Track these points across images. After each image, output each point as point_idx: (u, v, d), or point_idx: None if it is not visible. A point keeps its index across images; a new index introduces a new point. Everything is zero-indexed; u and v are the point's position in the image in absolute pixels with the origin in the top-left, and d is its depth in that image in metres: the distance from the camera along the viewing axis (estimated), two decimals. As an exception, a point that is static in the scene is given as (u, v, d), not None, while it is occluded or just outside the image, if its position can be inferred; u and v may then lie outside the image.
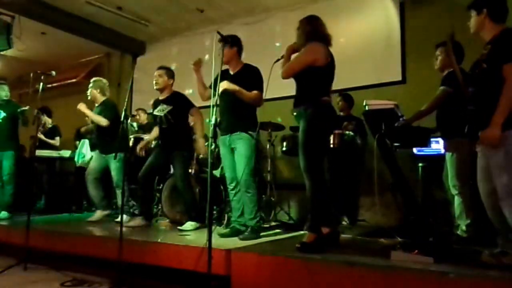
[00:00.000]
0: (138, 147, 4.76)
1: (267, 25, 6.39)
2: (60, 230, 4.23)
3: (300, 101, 3.20)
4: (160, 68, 4.45)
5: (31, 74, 4.36)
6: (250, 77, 3.70)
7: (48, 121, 6.50)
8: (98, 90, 4.91)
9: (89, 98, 4.94)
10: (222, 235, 3.60)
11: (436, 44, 3.67)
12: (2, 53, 7.12)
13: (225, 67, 3.72)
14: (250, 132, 3.64)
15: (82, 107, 4.74)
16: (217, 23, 6.46)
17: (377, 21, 5.60)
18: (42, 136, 6.13)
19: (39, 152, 5.76)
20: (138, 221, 4.36)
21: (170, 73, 4.44)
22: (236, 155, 3.66)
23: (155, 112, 4.42)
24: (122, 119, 3.51)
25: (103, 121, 4.69)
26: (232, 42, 3.71)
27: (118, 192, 4.84)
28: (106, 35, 7.21)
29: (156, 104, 4.47)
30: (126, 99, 3.58)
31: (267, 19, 6.40)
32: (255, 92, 3.63)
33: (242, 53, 3.86)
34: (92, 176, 4.84)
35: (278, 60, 3.38)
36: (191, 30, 7.02)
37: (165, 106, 4.34)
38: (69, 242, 3.89)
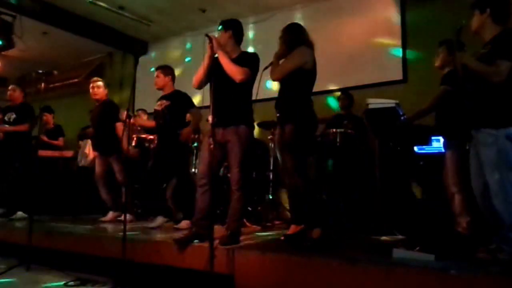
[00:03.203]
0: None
1: (269, 24, 6.39)
2: (63, 229, 4.25)
3: (286, 102, 3.28)
4: (157, 68, 4.49)
5: (33, 74, 4.36)
6: (246, 62, 3.32)
7: (50, 121, 6.49)
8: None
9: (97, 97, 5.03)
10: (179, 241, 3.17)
11: (440, 42, 3.68)
12: (3, 53, 7.14)
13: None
14: (245, 126, 3.31)
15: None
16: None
17: (378, 20, 5.61)
18: (44, 138, 6.13)
19: (42, 153, 5.77)
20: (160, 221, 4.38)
21: (165, 71, 4.45)
22: (228, 150, 3.31)
23: (155, 107, 4.42)
24: (125, 118, 3.53)
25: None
26: (226, 25, 3.42)
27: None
28: (108, 35, 7.22)
29: (158, 100, 4.48)
30: (129, 99, 3.60)
31: (269, 19, 6.40)
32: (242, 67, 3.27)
33: (242, 39, 3.50)
34: (102, 181, 4.97)
35: (267, 67, 3.40)
36: (193, 30, 7.03)
37: (164, 101, 4.35)
38: (72, 241, 3.90)
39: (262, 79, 3.35)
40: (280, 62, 3.37)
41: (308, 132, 3.26)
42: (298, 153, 3.13)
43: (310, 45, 3.34)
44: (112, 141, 4.86)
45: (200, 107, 6.03)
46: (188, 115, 4.53)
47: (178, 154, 4.35)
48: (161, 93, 4.49)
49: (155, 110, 4.42)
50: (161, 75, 4.41)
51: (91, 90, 5.01)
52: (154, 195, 4.51)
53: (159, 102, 4.39)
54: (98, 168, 5.05)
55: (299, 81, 3.24)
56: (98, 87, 4.99)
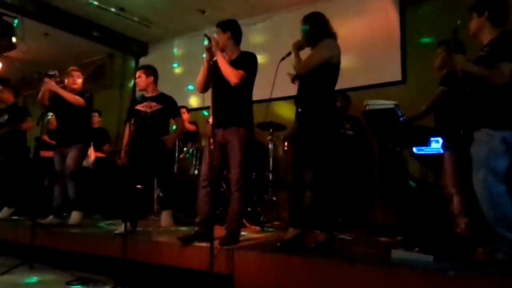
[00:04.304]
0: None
1: (268, 25, 6.43)
2: (65, 229, 4.26)
3: (310, 97, 3.16)
4: (139, 68, 4.41)
5: (34, 75, 4.35)
6: (243, 62, 3.32)
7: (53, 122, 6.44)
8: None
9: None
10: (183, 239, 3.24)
11: (438, 42, 3.68)
12: (5, 54, 7.15)
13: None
14: (244, 127, 3.30)
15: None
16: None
17: (377, 21, 5.61)
18: (46, 138, 6.11)
19: (44, 153, 5.77)
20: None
21: (148, 71, 4.31)
22: (228, 151, 3.30)
23: (140, 108, 4.23)
24: (126, 120, 3.54)
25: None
26: (224, 27, 3.41)
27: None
28: (108, 36, 7.24)
29: (140, 100, 4.31)
30: (129, 100, 3.60)
31: (268, 20, 6.43)
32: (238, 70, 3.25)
33: (240, 39, 3.50)
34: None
35: (283, 58, 3.28)
36: (193, 31, 7.04)
37: (154, 103, 4.23)
38: (74, 241, 3.93)
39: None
40: (301, 53, 3.20)
41: (333, 129, 3.14)
42: (326, 151, 3.04)
43: (335, 37, 3.21)
44: (80, 131, 4.60)
45: (200, 108, 6.10)
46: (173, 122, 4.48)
47: (165, 157, 4.36)
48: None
49: (139, 110, 4.22)
50: (143, 76, 4.27)
51: (71, 80, 4.69)
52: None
53: (146, 104, 4.24)
54: (59, 166, 4.58)
55: (324, 76, 3.09)
56: (79, 77, 4.77)
